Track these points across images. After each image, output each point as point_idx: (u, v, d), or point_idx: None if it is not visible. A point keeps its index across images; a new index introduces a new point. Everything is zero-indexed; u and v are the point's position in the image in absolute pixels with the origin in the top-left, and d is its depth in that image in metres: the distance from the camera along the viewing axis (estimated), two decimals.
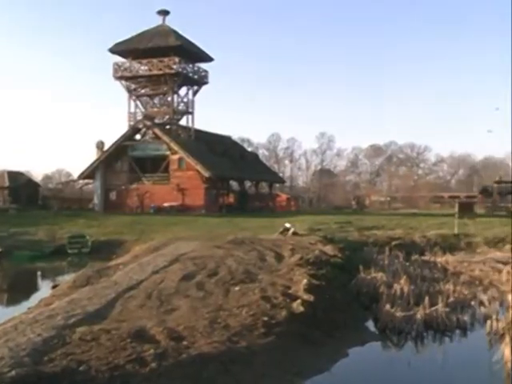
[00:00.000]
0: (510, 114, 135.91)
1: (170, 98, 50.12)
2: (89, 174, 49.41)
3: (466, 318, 13.16)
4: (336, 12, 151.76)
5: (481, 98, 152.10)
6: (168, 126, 50.05)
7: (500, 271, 19.14)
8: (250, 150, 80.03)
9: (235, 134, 78.98)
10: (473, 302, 14.62)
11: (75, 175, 59.08)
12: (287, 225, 26.87)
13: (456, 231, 29.92)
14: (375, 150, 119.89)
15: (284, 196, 73.23)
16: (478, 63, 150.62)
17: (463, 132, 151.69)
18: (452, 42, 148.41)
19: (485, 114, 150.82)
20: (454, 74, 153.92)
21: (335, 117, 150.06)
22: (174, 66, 48.67)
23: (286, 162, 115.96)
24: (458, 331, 12.53)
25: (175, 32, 50.09)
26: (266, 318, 10.34)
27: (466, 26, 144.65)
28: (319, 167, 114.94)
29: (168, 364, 7.75)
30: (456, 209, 32.88)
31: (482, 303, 14.49)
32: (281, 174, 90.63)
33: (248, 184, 60.58)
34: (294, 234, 25.74)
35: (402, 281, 15.33)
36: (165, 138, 47.05)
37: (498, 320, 12.09)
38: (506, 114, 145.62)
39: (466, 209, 33.61)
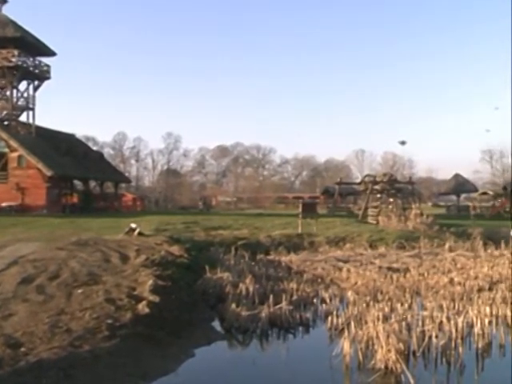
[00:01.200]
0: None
1: (8, 93, 47.74)
2: None
3: (309, 314, 13.55)
4: (179, 15, 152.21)
5: (325, 102, 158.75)
6: (6, 122, 47.62)
7: (340, 269, 19.94)
8: (94, 148, 78.08)
9: (80, 132, 76.75)
10: (315, 300, 15.08)
11: None
12: (133, 225, 26.36)
13: (300, 231, 30.80)
14: (222, 151, 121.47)
15: (130, 196, 72.14)
16: (317, 69, 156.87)
17: (306, 134, 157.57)
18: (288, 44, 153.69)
19: (328, 117, 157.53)
20: (297, 77, 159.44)
21: (182, 117, 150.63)
22: (13, 59, 46.23)
23: (132, 161, 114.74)
24: (301, 328, 12.85)
25: (14, 22, 47.42)
26: (110, 321, 10.06)
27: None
28: (166, 167, 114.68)
29: (4, 373, 7.31)
30: (300, 209, 33.87)
31: (323, 300, 14.94)
32: (127, 174, 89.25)
33: (93, 184, 59.07)
34: (140, 234, 25.31)
35: (248, 280, 15.50)
36: (3, 134, 44.58)
37: (338, 316, 12.52)
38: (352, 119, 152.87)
39: (310, 209, 34.66)
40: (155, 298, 12.08)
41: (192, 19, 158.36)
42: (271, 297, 13.62)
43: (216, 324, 13.32)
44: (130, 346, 9.48)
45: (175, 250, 20.55)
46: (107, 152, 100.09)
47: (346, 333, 10.39)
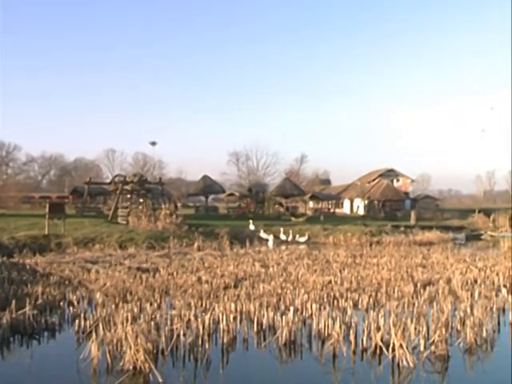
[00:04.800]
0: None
1: None
2: None
3: (55, 318, 13.06)
4: None
5: (74, 100, 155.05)
6: None
7: (89, 270, 19.67)
8: None
9: None
10: (62, 303, 14.58)
11: None
12: None
13: (46, 232, 29.86)
14: None
15: None
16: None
17: (54, 132, 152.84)
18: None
19: (77, 115, 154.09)
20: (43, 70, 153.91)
21: None
22: None
23: None
24: (46, 333, 12.33)
25: None
26: None
27: None
28: None
29: None
30: (47, 209, 32.87)
31: (71, 303, 14.57)
32: None
33: None
34: None
35: None
36: None
37: (86, 318, 12.26)
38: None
39: (58, 209, 33.78)
40: None
41: None
42: (14, 302, 12.93)
43: None
44: None
45: None
46: None
47: (93, 335, 10.20)
